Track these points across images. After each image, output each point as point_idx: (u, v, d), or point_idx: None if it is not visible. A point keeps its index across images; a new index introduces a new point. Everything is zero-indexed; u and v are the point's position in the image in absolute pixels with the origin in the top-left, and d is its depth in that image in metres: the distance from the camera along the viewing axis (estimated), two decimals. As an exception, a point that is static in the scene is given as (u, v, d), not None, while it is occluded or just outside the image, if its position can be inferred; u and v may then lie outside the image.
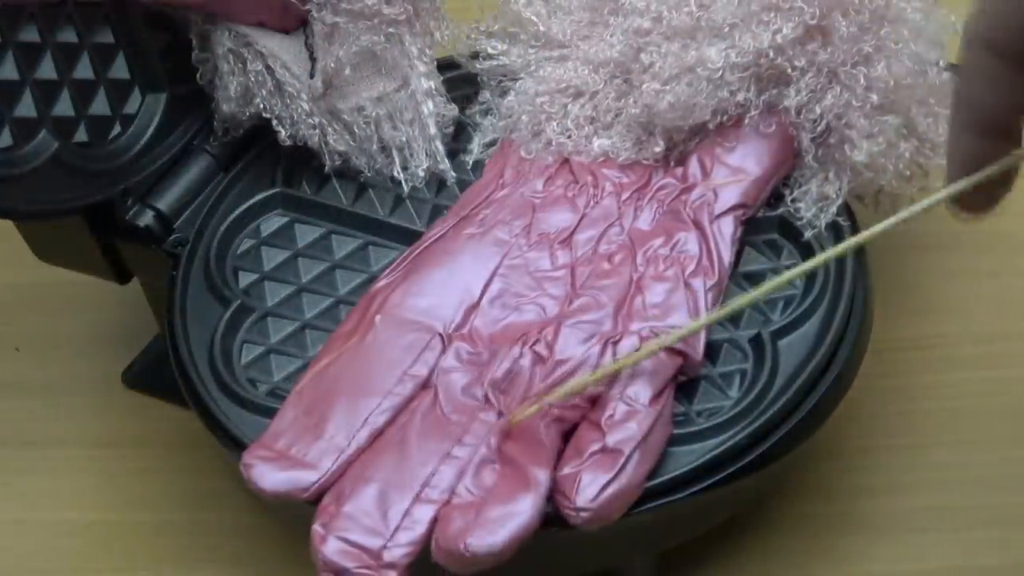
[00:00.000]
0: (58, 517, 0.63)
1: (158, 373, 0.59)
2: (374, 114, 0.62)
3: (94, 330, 0.69)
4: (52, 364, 0.68)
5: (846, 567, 0.59)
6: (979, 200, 0.45)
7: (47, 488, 0.64)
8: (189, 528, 0.62)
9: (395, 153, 0.63)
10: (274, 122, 0.61)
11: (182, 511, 0.62)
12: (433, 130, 0.63)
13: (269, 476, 0.52)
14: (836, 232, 0.59)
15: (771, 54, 0.58)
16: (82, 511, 0.63)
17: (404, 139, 0.63)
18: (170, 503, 0.63)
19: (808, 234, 0.59)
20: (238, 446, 0.55)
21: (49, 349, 0.69)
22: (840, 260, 0.57)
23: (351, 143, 0.62)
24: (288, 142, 0.61)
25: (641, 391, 0.53)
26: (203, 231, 0.61)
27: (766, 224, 0.59)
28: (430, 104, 0.63)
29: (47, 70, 0.57)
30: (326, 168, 0.62)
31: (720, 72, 0.58)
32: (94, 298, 0.69)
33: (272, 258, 0.61)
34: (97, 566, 0.61)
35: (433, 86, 0.64)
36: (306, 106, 0.61)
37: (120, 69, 0.60)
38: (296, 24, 0.61)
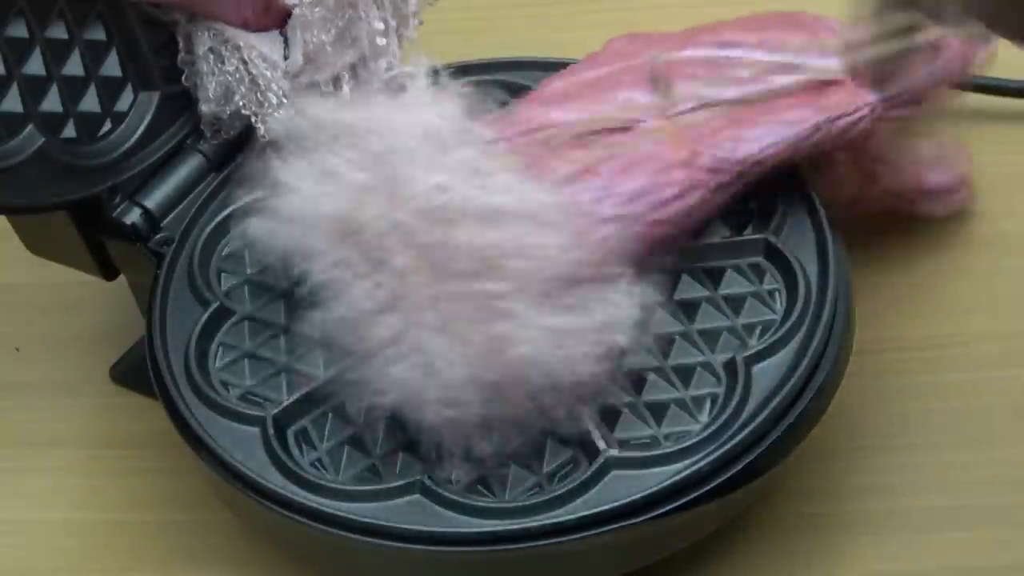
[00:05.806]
0: (58, 517, 0.63)
1: (144, 370, 0.59)
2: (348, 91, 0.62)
3: (95, 330, 0.69)
4: (52, 364, 0.68)
5: (846, 567, 0.58)
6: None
7: (47, 488, 0.64)
8: (190, 528, 0.62)
9: None
10: (253, 119, 0.61)
11: (183, 511, 0.62)
12: None
13: None
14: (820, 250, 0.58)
15: None
16: (82, 511, 0.63)
17: None
18: (170, 503, 0.62)
19: None
20: (204, 448, 0.55)
21: (49, 349, 0.69)
22: (822, 286, 0.56)
23: None
24: (267, 138, 0.61)
25: None
26: (190, 231, 0.61)
27: (750, 247, 0.58)
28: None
29: (36, 66, 0.58)
30: None
31: None
32: (94, 298, 0.69)
33: (256, 261, 0.61)
34: (98, 566, 0.61)
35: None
36: (274, 99, 0.60)
37: (112, 66, 0.60)
38: (280, 24, 0.61)
